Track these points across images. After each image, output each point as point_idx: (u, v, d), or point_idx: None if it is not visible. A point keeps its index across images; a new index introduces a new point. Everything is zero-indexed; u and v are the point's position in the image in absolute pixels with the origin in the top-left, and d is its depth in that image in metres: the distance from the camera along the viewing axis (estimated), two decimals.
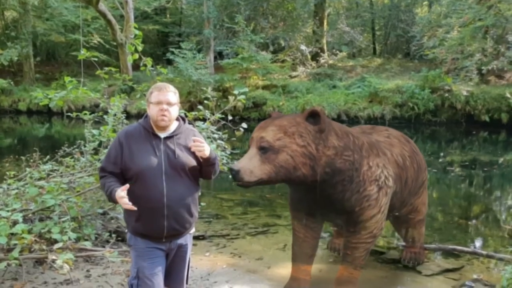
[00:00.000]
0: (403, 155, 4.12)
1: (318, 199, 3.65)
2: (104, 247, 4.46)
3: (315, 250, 4.07)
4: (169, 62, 19.66)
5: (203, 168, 2.72)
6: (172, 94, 2.66)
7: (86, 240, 4.23)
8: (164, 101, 2.61)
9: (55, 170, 5.21)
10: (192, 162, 2.68)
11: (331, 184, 3.53)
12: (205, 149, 2.61)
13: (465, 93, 15.85)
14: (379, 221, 3.75)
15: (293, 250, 4.05)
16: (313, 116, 3.44)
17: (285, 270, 4.53)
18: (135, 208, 2.51)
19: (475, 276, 4.49)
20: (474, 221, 6.87)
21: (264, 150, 3.33)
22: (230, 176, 3.35)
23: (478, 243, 5.76)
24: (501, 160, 11.40)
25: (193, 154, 2.70)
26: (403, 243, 4.93)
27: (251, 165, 3.29)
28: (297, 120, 3.43)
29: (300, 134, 3.37)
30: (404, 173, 4.07)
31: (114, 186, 2.55)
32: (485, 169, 10.22)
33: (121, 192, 2.47)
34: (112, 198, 2.57)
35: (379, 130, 4.39)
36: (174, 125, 2.72)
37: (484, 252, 4.91)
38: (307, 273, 4.02)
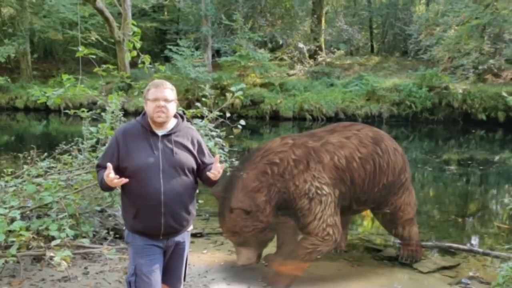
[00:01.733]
0: (350, 158, 4.25)
1: None
2: (102, 244, 4.46)
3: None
4: (167, 59, 19.63)
5: (206, 181, 2.74)
6: (169, 91, 2.66)
7: (84, 237, 4.23)
8: (161, 97, 2.61)
9: (53, 167, 5.20)
10: (190, 161, 2.69)
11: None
12: (220, 174, 2.66)
13: (460, 91, 15.90)
14: (318, 226, 4.05)
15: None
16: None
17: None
18: (126, 180, 2.51)
19: (471, 274, 4.52)
20: (470, 219, 6.91)
21: (239, 245, 4.06)
22: None
23: (474, 240, 5.80)
24: (497, 158, 11.45)
25: (191, 152, 2.70)
26: (399, 241, 4.96)
27: (244, 256, 4.08)
28: (233, 217, 3.90)
29: (245, 225, 3.90)
30: (347, 174, 4.22)
31: (104, 173, 2.55)
32: (481, 167, 10.26)
33: (107, 171, 2.46)
34: (103, 184, 2.57)
35: (348, 130, 4.48)
36: (172, 123, 2.72)
37: (480, 250, 4.95)
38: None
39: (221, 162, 4.93)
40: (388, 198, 4.58)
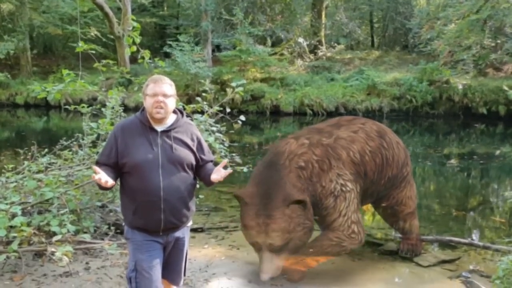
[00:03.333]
0: (363, 152, 4.25)
1: None
2: (103, 239, 4.48)
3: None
4: (167, 55, 19.59)
5: (204, 179, 2.74)
6: (167, 86, 2.64)
7: (85, 232, 4.25)
8: (160, 92, 2.60)
9: (54, 163, 5.21)
10: (190, 157, 2.68)
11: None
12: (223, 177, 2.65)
13: (460, 86, 15.87)
14: (343, 224, 4.02)
15: None
16: (297, 202, 3.75)
17: None
18: (105, 181, 2.46)
19: (471, 267, 4.54)
20: (471, 212, 6.92)
21: (277, 250, 3.81)
22: None
23: (474, 234, 5.80)
24: (497, 152, 11.44)
25: (190, 148, 2.70)
26: (399, 235, 4.97)
27: (274, 265, 3.83)
28: (288, 212, 3.73)
29: (298, 223, 3.77)
30: (362, 168, 4.23)
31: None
32: (482, 161, 10.25)
33: (97, 177, 2.44)
34: (99, 185, 2.56)
35: (353, 124, 4.48)
36: (171, 119, 2.71)
37: (480, 243, 4.96)
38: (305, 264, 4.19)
39: (221, 158, 4.99)
40: (390, 191, 4.59)
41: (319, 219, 4.12)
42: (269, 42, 21.15)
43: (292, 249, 3.85)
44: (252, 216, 3.80)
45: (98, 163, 2.68)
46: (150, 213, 2.58)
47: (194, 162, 2.70)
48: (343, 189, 4.01)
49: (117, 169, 2.61)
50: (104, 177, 2.45)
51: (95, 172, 2.45)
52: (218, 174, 2.61)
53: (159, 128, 2.65)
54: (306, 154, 3.98)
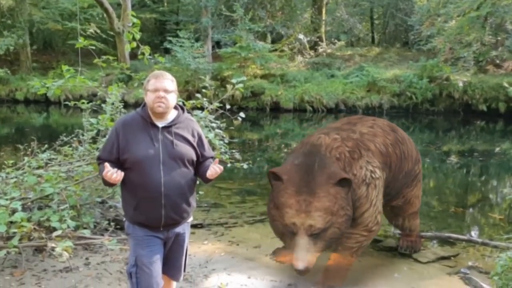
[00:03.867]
0: (386, 144, 4.25)
1: None
2: (103, 235, 4.48)
3: None
4: (167, 51, 19.56)
5: (202, 176, 2.75)
6: (169, 82, 2.65)
7: (85, 228, 4.25)
8: (161, 88, 2.61)
9: (53, 159, 5.21)
10: (190, 152, 2.69)
11: None
12: (219, 173, 2.65)
13: (461, 84, 15.86)
14: (372, 215, 3.90)
15: None
16: (341, 181, 3.54)
17: (282, 257, 4.57)
18: (122, 173, 2.51)
19: (470, 264, 4.55)
20: (470, 209, 6.93)
21: (315, 235, 3.49)
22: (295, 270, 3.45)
23: (473, 231, 5.82)
24: (497, 149, 11.45)
25: (191, 144, 2.70)
26: (399, 231, 4.99)
27: (310, 254, 3.45)
28: (332, 192, 3.50)
29: (342, 206, 3.54)
30: (388, 159, 4.20)
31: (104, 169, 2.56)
32: (482, 158, 10.26)
33: (105, 170, 2.48)
34: (105, 181, 2.58)
35: (365, 121, 4.47)
36: (172, 114, 2.72)
37: (479, 240, 4.98)
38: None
39: (221, 154, 4.99)
40: (402, 190, 4.54)
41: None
42: (269, 38, 21.12)
43: (329, 238, 3.55)
44: (291, 194, 3.51)
45: (99, 159, 2.69)
46: (151, 208, 2.59)
47: (194, 158, 2.71)
48: (373, 175, 3.89)
49: (118, 165, 2.62)
50: (113, 171, 2.48)
51: (105, 173, 2.48)
52: (211, 170, 2.63)
53: (160, 124, 2.66)
54: (340, 147, 3.86)
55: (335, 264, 3.98)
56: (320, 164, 3.61)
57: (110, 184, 2.60)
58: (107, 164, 2.50)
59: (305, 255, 3.41)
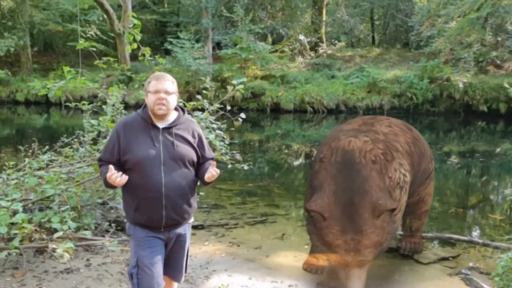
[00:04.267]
0: (408, 143, 4.19)
1: None
2: (103, 236, 4.49)
3: None
4: (167, 52, 19.57)
5: (202, 178, 2.74)
6: (170, 83, 2.66)
7: (86, 229, 4.25)
8: (162, 89, 2.61)
9: (54, 160, 5.22)
10: (191, 153, 2.69)
11: None
12: (216, 176, 2.66)
13: (461, 84, 15.86)
14: (398, 220, 3.82)
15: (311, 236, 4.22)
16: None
17: (283, 258, 4.59)
18: (126, 177, 2.53)
19: (471, 264, 4.55)
20: (471, 210, 6.92)
21: (366, 264, 3.45)
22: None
23: (474, 232, 5.82)
24: (498, 149, 11.44)
25: (191, 145, 2.71)
26: (401, 232, 4.97)
27: (362, 280, 3.41)
28: (380, 225, 3.39)
29: (388, 231, 3.44)
30: (412, 159, 4.13)
31: (107, 171, 2.57)
32: (482, 159, 10.26)
33: (109, 173, 2.49)
34: (106, 182, 2.59)
35: (380, 120, 4.40)
36: (173, 116, 2.72)
37: (480, 241, 4.97)
38: (324, 260, 4.16)
39: (222, 155, 4.99)
40: (416, 188, 4.47)
41: None
42: (269, 39, 21.13)
43: (377, 256, 3.54)
44: (336, 234, 3.33)
45: (101, 161, 2.69)
46: (152, 209, 2.59)
47: (195, 159, 2.71)
48: (405, 179, 3.78)
49: (119, 166, 2.62)
50: (117, 174, 2.50)
51: (109, 176, 2.49)
52: (208, 173, 2.63)
53: (161, 125, 2.66)
54: (374, 149, 3.70)
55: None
56: (360, 187, 3.36)
57: (112, 186, 2.61)
58: (111, 167, 2.51)
59: (359, 285, 3.38)
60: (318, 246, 3.90)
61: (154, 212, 2.60)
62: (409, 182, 3.89)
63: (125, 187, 2.68)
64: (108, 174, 2.49)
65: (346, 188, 3.37)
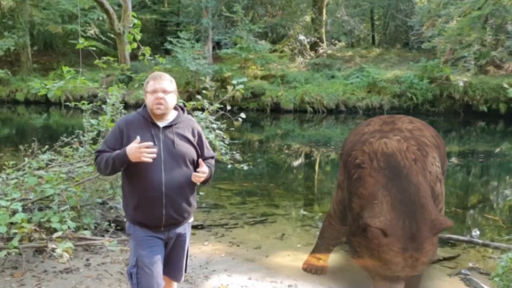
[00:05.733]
0: (433, 136, 4.18)
1: None
2: (103, 236, 4.48)
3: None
4: (167, 51, 19.56)
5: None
6: (167, 82, 2.65)
7: (86, 229, 4.25)
8: (160, 89, 2.61)
9: (54, 160, 5.21)
10: (191, 152, 2.69)
11: None
12: (204, 176, 2.64)
13: (461, 83, 15.86)
14: (442, 210, 3.87)
15: (320, 243, 4.30)
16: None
17: (282, 259, 4.59)
18: (155, 150, 2.49)
19: (471, 265, 4.55)
20: (470, 210, 6.92)
21: None
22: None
23: (474, 232, 5.81)
24: (498, 150, 11.44)
25: (192, 143, 2.71)
26: None
27: None
28: (435, 241, 3.37)
29: (436, 244, 3.40)
30: (439, 150, 4.10)
31: (110, 153, 2.54)
32: (482, 159, 10.25)
33: (134, 144, 2.45)
34: (121, 158, 2.51)
35: (398, 118, 4.35)
36: (173, 114, 2.72)
37: (480, 241, 4.97)
38: (325, 260, 4.20)
39: (222, 155, 4.99)
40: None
41: None
42: (270, 37, 21.13)
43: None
44: (397, 252, 3.23)
45: (99, 152, 2.66)
46: (152, 208, 2.59)
47: (195, 157, 2.71)
48: (440, 170, 3.80)
49: None
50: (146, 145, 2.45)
51: (139, 149, 2.45)
52: (193, 177, 2.62)
53: (161, 123, 2.66)
54: (409, 147, 3.66)
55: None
56: (417, 202, 3.29)
57: (124, 162, 2.52)
58: (138, 138, 2.46)
59: None
60: (359, 253, 3.66)
61: (154, 211, 2.59)
62: (444, 173, 3.89)
63: (125, 186, 2.68)
64: (136, 145, 2.44)
65: (402, 201, 3.30)
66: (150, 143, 2.48)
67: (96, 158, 2.66)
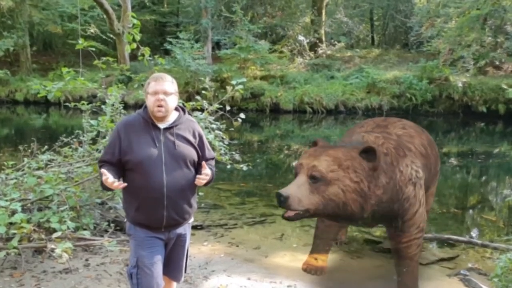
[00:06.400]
0: (424, 145, 4.19)
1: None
2: (102, 236, 4.48)
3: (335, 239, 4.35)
4: (167, 52, 19.57)
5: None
6: (169, 84, 2.65)
7: (85, 229, 4.25)
8: (161, 91, 2.61)
9: (53, 160, 5.21)
10: (192, 153, 2.69)
11: (374, 212, 3.58)
12: (207, 179, 2.64)
13: (460, 84, 15.87)
14: (422, 214, 3.84)
15: (315, 243, 4.29)
16: (368, 152, 3.39)
17: (282, 259, 4.59)
18: (125, 184, 2.53)
19: (470, 265, 4.55)
20: (469, 211, 6.93)
21: (315, 179, 3.28)
22: (276, 202, 3.26)
23: (473, 232, 5.82)
24: (497, 150, 11.45)
25: (192, 145, 2.71)
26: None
27: (299, 193, 3.22)
28: (352, 154, 3.38)
29: (354, 169, 3.32)
30: (427, 161, 4.13)
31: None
32: (481, 160, 10.26)
33: (109, 180, 2.46)
34: (103, 185, 2.57)
35: (392, 122, 4.38)
36: (173, 116, 2.72)
37: (479, 242, 4.98)
38: (323, 261, 4.20)
39: (221, 155, 4.99)
40: (428, 188, 4.45)
41: (400, 214, 3.70)
42: (269, 38, 21.12)
43: (328, 197, 3.28)
44: (315, 148, 3.55)
45: (102, 162, 2.68)
46: (153, 209, 2.59)
47: (196, 159, 2.71)
48: (418, 175, 3.77)
49: (121, 166, 2.62)
50: (111, 178, 2.46)
51: (105, 180, 2.47)
52: (197, 181, 2.63)
53: (162, 125, 2.66)
54: (385, 143, 3.75)
55: (409, 275, 3.89)
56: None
57: (108, 189, 2.60)
58: (104, 171, 2.49)
59: (293, 187, 3.25)
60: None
61: (155, 212, 2.59)
62: (423, 178, 3.87)
63: (126, 187, 2.68)
64: (104, 178, 2.47)
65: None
66: (115, 180, 2.48)
67: (100, 168, 2.69)
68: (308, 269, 4.21)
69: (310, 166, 3.31)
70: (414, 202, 3.71)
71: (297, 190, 3.22)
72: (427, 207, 4.73)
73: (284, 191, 3.21)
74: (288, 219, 3.29)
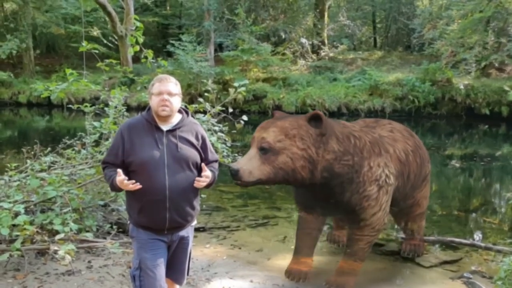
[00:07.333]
0: (406, 150, 4.17)
1: (318, 198, 3.81)
2: (105, 238, 4.49)
3: (316, 242, 4.20)
4: (169, 54, 19.60)
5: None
6: (173, 85, 2.67)
7: (88, 231, 4.26)
8: (165, 91, 2.63)
9: (56, 162, 5.23)
10: (195, 155, 2.69)
11: (329, 186, 3.64)
12: (207, 181, 2.67)
13: (462, 86, 15.84)
14: (381, 218, 3.86)
15: (296, 242, 4.20)
16: (315, 119, 3.49)
17: (284, 261, 4.57)
18: (140, 186, 2.54)
19: (473, 268, 4.53)
20: (472, 213, 6.91)
21: (264, 151, 3.42)
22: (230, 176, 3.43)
23: (476, 235, 5.80)
24: (499, 153, 11.41)
25: (195, 147, 2.71)
26: (403, 235, 4.97)
27: (250, 165, 3.40)
28: (299, 122, 3.49)
29: (301, 137, 3.44)
30: (406, 168, 4.12)
31: (114, 174, 2.58)
32: (482, 163, 10.23)
33: (120, 177, 2.50)
34: (114, 186, 2.60)
35: (382, 124, 4.39)
36: (177, 118, 2.73)
37: (482, 244, 4.95)
38: (307, 265, 4.09)
39: (223, 157, 5.00)
40: (411, 192, 4.44)
41: (353, 211, 3.76)
42: (272, 40, 21.13)
43: (278, 165, 3.40)
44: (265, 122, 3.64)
45: (105, 163, 2.69)
46: (156, 211, 2.59)
47: (199, 161, 2.72)
48: (387, 181, 3.78)
49: (124, 168, 2.63)
50: (130, 182, 2.52)
51: (120, 181, 2.52)
52: (196, 184, 2.64)
53: (165, 127, 2.67)
54: (361, 134, 3.81)
55: (346, 267, 3.96)
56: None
57: (118, 190, 2.64)
58: (120, 171, 2.53)
59: (244, 160, 3.43)
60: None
61: (157, 215, 2.60)
62: (392, 185, 3.88)
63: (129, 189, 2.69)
64: (119, 178, 2.50)
65: None
66: (133, 181, 2.53)
67: (104, 170, 2.73)
68: (291, 275, 4.06)
69: (260, 138, 3.46)
70: (373, 205, 3.76)
71: (248, 163, 3.41)
72: (421, 210, 4.72)
73: (235, 164, 3.44)
74: (240, 185, 3.53)
